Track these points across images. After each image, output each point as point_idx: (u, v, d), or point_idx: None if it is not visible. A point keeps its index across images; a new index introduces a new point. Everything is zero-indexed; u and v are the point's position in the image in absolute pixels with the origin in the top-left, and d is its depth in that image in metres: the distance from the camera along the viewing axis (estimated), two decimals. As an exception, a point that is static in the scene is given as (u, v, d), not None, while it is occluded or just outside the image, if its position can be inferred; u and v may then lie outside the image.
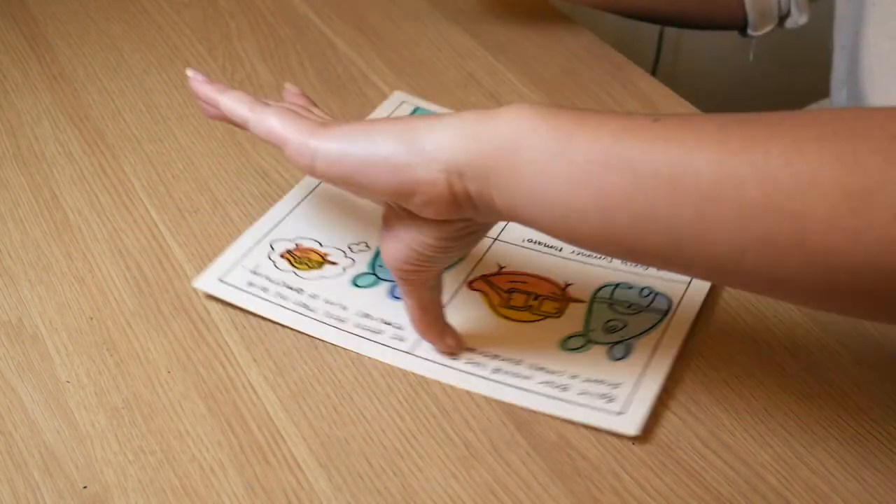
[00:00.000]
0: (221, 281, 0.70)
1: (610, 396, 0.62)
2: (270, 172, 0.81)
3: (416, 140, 0.54)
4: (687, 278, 0.69)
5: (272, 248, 0.73)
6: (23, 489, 0.58)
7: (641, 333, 0.66)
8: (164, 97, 0.89)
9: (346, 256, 0.72)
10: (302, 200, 0.77)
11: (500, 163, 0.52)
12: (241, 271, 0.71)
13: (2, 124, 0.86)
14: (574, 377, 0.63)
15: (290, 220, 0.75)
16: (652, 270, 0.69)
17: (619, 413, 0.61)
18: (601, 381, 0.63)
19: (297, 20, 0.99)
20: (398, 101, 0.87)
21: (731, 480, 0.60)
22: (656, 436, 0.62)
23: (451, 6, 1.03)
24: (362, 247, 0.73)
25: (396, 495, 0.59)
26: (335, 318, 0.68)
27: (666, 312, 0.67)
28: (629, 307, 0.67)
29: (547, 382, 0.63)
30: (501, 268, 0.70)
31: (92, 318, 0.69)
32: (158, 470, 0.60)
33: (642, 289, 0.68)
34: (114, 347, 0.67)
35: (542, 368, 0.64)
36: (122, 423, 0.62)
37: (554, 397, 0.62)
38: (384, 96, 0.89)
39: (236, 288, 0.69)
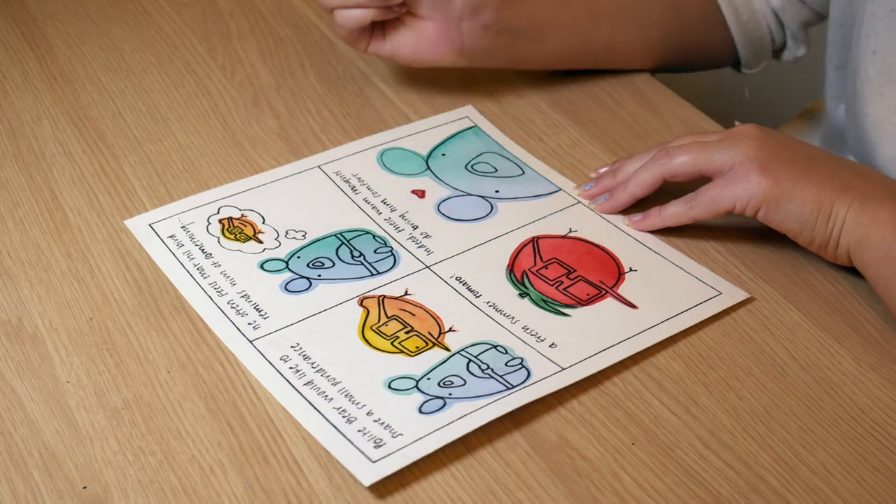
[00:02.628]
0: (150, 226, 0.75)
1: (381, 442, 0.60)
2: (268, 172, 0.81)
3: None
4: (565, 361, 0.66)
5: (217, 212, 0.76)
6: (22, 489, 0.58)
7: (470, 397, 0.63)
8: (164, 97, 0.89)
9: (276, 238, 0.74)
10: (279, 179, 0.79)
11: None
12: (173, 222, 0.75)
13: (2, 124, 0.85)
14: (369, 413, 0.62)
15: (255, 192, 0.78)
16: (544, 344, 0.67)
17: (372, 461, 0.59)
18: (388, 426, 0.61)
19: (297, 20, 0.99)
20: (460, 115, 0.87)
21: (731, 481, 0.60)
22: (656, 436, 0.62)
23: (451, 6, 1.03)
24: (298, 235, 0.74)
25: (396, 496, 0.59)
26: (216, 290, 0.70)
27: (513, 387, 0.63)
28: (485, 369, 0.65)
29: (341, 409, 0.62)
30: (406, 293, 0.70)
31: (92, 319, 0.68)
32: (158, 470, 0.59)
33: (515, 357, 0.66)
34: (114, 348, 0.67)
35: (349, 395, 0.63)
36: (121, 424, 0.62)
37: (333, 425, 0.61)
38: (384, 96, 0.89)
39: (158, 237, 0.74)
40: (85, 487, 0.59)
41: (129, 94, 0.89)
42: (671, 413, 0.64)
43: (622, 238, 0.75)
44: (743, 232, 0.76)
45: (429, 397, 0.63)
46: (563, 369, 0.65)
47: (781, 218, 0.71)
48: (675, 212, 0.75)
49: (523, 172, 0.81)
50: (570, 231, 0.76)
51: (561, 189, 0.79)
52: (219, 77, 0.91)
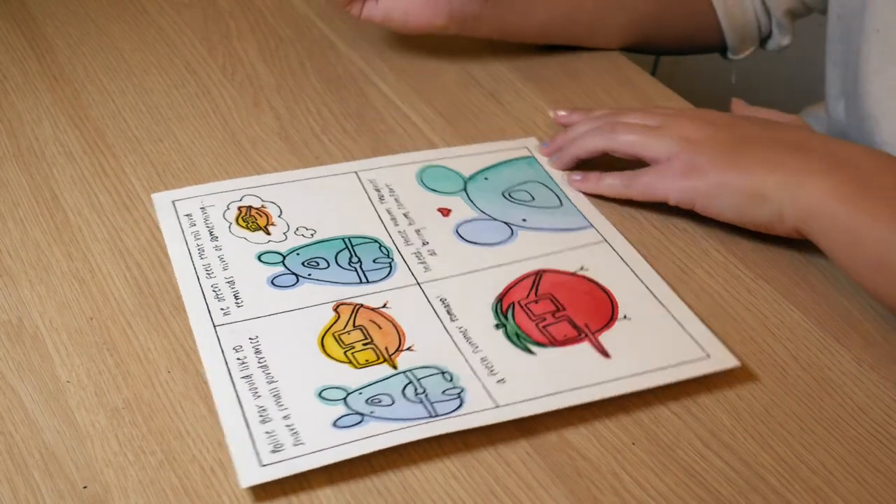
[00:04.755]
0: (173, 202, 0.77)
1: (280, 448, 0.59)
2: (270, 172, 0.81)
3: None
4: (504, 399, 0.63)
5: (240, 199, 0.77)
6: (23, 489, 0.58)
7: (390, 419, 0.61)
8: (164, 97, 0.89)
9: (284, 233, 0.75)
10: (312, 178, 0.80)
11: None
12: (195, 203, 0.77)
13: (2, 124, 0.86)
14: (286, 417, 0.61)
15: (283, 186, 0.79)
16: (493, 378, 0.64)
17: (262, 465, 0.58)
18: (296, 433, 0.60)
19: (297, 20, 0.99)
20: (520, 144, 0.85)
21: (732, 481, 0.60)
22: (657, 436, 0.62)
23: (451, 6, 1.03)
24: (308, 233, 0.75)
25: (396, 495, 0.59)
26: (206, 272, 0.71)
27: (437, 415, 0.61)
28: (419, 393, 0.63)
29: (262, 409, 0.61)
30: (384, 305, 0.69)
31: (92, 319, 0.68)
32: (159, 470, 0.59)
33: (456, 387, 0.63)
34: (114, 347, 0.67)
35: (277, 396, 0.62)
36: (122, 424, 0.62)
37: (246, 422, 0.60)
38: (384, 96, 0.89)
39: (176, 213, 0.76)
40: (85, 487, 0.59)
41: (130, 94, 0.89)
42: (671, 413, 0.64)
43: (632, 283, 0.72)
44: (743, 232, 0.76)
45: (350, 412, 0.62)
46: (497, 406, 0.62)
47: (717, 210, 0.73)
48: (611, 184, 0.78)
49: (561, 204, 0.79)
50: (581, 269, 0.73)
51: (592, 226, 0.76)
52: (219, 77, 0.91)
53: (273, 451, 0.59)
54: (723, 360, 0.66)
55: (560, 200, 0.79)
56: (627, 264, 0.73)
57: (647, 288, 0.71)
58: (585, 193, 0.79)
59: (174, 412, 0.63)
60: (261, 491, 0.58)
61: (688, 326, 0.68)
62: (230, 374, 0.64)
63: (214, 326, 0.67)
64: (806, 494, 0.59)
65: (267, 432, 0.60)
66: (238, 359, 0.65)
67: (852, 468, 0.61)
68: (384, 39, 0.97)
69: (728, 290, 0.72)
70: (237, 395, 0.63)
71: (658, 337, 0.67)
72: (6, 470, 0.59)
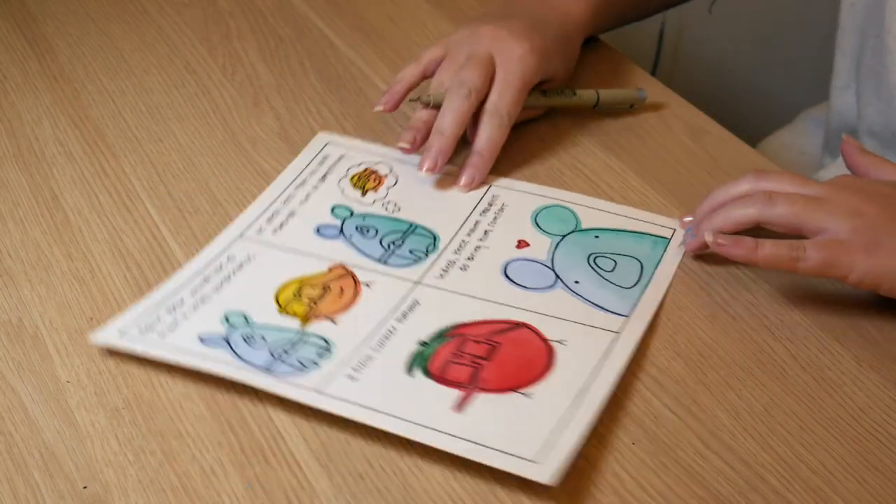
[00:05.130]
0: (325, 144, 0.83)
1: (149, 330, 0.66)
2: (270, 172, 0.81)
3: None
4: (327, 388, 0.63)
5: (375, 163, 0.81)
6: (23, 489, 0.59)
7: (237, 355, 0.64)
8: (164, 97, 0.89)
9: (375, 200, 0.78)
10: (446, 174, 0.80)
11: None
12: (337, 149, 0.82)
13: (2, 124, 0.86)
14: (183, 316, 0.67)
15: (411, 166, 0.80)
16: (348, 369, 0.63)
17: (112, 329, 0.66)
18: (172, 329, 0.66)
19: (297, 20, 0.99)
20: (668, 224, 0.76)
21: (732, 481, 0.60)
22: (657, 436, 0.62)
23: (450, 6, 1.03)
24: (391, 209, 0.77)
25: (396, 495, 0.59)
26: (284, 199, 0.77)
27: (267, 371, 0.63)
28: (285, 350, 0.64)
29: (179, 301, 0.68)
30: (367, 284, 0.70)
31: (92, 319, 0.69)
32: (159, 470, 0.60)
33: (315, 362, 0.64)
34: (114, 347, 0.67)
35: (201, 301, 0.68)
36: (122, 424, 0.62)
37: (156, 303, 0.68)
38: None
39: (315, 153, 0.82)
40: (85, 487, 0.59)
41: (130, 94, 0.89)
42: (671, 413, 0.64)
43: (582, 375, 0.64)
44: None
45: (218, 336, 0.66)
46: (319, 392, 0.62)
47: None
48: (775, 255, 0.67)
49: (631, 287, 0.71)
50: (560, 341, 0.66)
51: (628, 317, 0.68)
52: (219, 77, 0.91)
53: (140, 332, 0.66)
54: (545, 472, 0.58)
55: (636, 284, 0.71)
56: (604, 361, 0.65)
57: (588, 387, 0.63)
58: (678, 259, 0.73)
59: (174, 412, 0.63)
60: (260, 490, 0.59)
61: (563, 432, 0.60)
62: (203, 270, 0.70)
63: (240, 236, 0.72)
64: (806, 494, 0.59)
65: (158, 316, 0.67)
66: (220, 263, 0.71)
67: (852, 468, 0.61)
68: (384, 39, 0.97)
69: (728, 289, 0.72)
70: (182, 284, 0.69)
71: (522, 424, 0.61)
72: (6, 470, 0.60)
